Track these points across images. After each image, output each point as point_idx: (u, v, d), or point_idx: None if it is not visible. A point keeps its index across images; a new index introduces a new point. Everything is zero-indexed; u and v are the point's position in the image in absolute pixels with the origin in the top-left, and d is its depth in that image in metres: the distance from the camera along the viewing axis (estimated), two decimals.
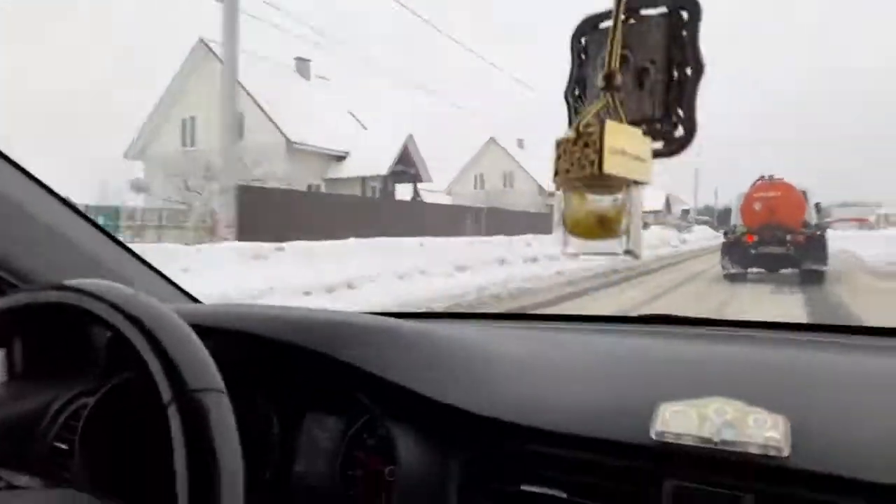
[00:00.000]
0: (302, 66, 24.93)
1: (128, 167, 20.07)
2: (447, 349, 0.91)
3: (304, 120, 21.62)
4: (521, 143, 39.47)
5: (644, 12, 0.66)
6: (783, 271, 11.42)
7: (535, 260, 12.36)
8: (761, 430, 0.62)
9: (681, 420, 0.66)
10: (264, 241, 8.50)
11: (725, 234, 12.35)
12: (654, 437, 0.66)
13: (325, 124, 22.51)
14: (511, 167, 37.17)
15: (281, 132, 20.59)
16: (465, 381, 0.82)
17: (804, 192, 11.91)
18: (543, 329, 1.23)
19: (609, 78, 0.63)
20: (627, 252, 0.65)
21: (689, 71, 0.63)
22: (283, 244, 7.52)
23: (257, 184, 15.93)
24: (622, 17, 0.63)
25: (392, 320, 0.98)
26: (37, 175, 1.04)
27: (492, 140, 37.96)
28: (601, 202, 0.64)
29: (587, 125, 0.62)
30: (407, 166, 23.32)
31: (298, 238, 8.97)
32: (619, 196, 0.64)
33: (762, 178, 12.26)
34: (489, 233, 17.49)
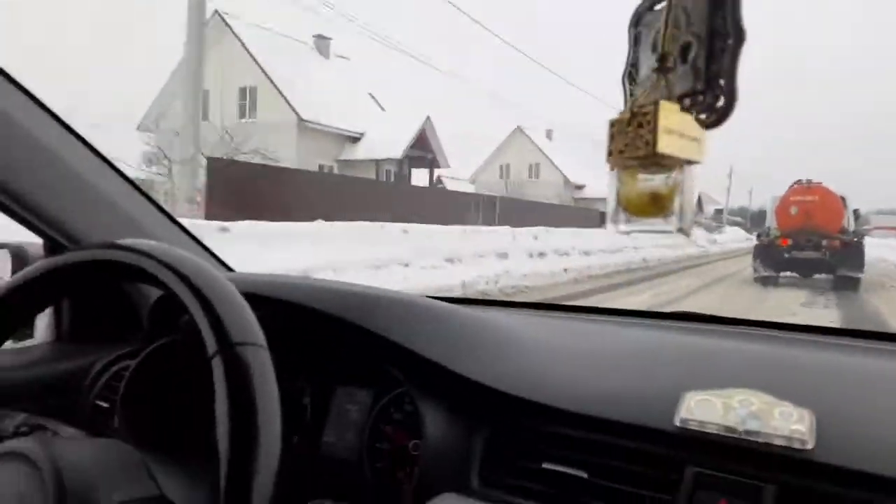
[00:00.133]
0: (321, 43, 24.26)
1: (138, 139, 19.66)
2: (477, 329, 0.93)
3: (319, 98, 20.94)
4: (549, 135, 38.47)
5: None
6: (816, 276, 11.28)
7: (542, 255, 11.53)
8: (787, 423, 0.64)
9: (705, 409, 0.67)
10: (237, 219, 7.78)
11: (758, 236, 12.27)
12: (678, 423, 0.68)
13: (340, 104, 21.82)
14: (538, 158, 36.23)
15: (292, 108, 19.94)
16: (494, 361, 0.85)
17: (843, 198, 11.87)
18: (573, 319, 1.23)
19: (663, 59, 0.65)
20: (680, 230, 0.67)
21: (730, 41, 0.62)
22: (228, 224, 6.67)
23: (258, 160, 15.26)
24: None
25: (425, 298, 1.00)
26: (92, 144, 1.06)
27: (518, 129, 37.01)
28: (654, 181, 0.66)
29: (641, 106, 0.63)
30: (424, 150, 22.44)
31: (273, 218, 8.18)
32: (673, 175, 0.65)
33: (799, 181, 12.14)
34: (501, 223, 16.49)
